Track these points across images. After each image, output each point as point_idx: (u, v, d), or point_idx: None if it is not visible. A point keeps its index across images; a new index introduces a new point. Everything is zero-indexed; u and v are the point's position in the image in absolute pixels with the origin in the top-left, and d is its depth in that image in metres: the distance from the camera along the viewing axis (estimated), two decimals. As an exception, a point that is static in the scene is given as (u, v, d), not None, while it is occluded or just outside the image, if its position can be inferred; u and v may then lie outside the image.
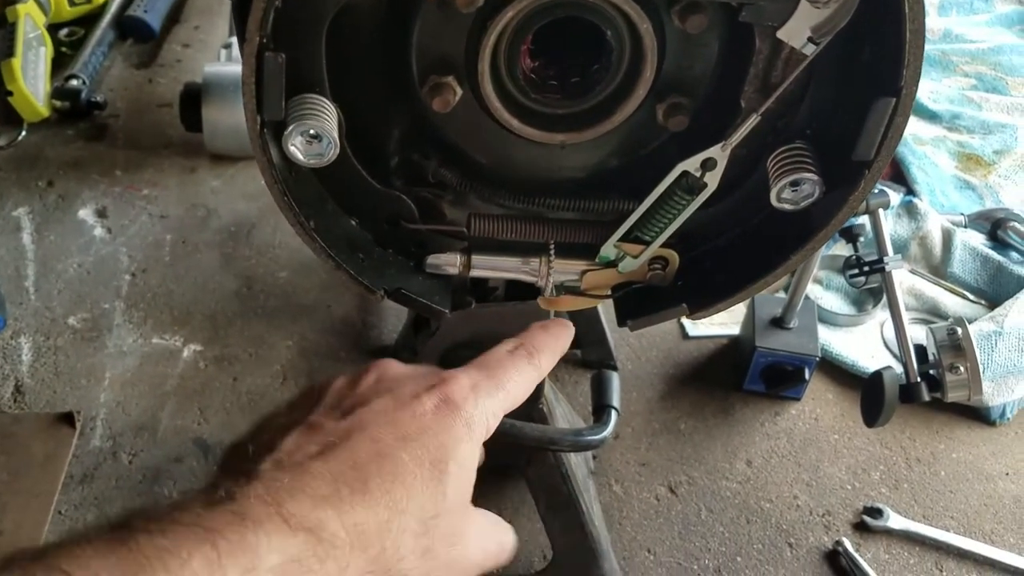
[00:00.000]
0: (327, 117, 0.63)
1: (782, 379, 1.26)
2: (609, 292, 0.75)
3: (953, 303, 1.44)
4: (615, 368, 1.28)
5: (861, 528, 1.14)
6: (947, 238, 1.51)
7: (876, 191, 1.16)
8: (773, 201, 0.67)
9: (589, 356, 1.32)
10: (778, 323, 1.27)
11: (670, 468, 1.21)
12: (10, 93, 1.65)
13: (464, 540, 0.56)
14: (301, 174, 0.68)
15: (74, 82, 1.74)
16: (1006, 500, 1.19)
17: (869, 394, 1.07)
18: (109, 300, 1.39)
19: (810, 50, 0.60)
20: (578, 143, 0.70)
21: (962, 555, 1.12)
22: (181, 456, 1.17)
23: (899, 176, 1.66)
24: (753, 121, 0.64)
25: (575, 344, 1.31)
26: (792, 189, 0.66)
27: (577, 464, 1.03)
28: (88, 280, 1.42)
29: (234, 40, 1.77)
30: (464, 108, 0.67)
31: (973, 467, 1.23)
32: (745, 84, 0.66)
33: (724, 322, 1.39)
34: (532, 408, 0.96)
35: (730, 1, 0.60)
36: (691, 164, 0.66)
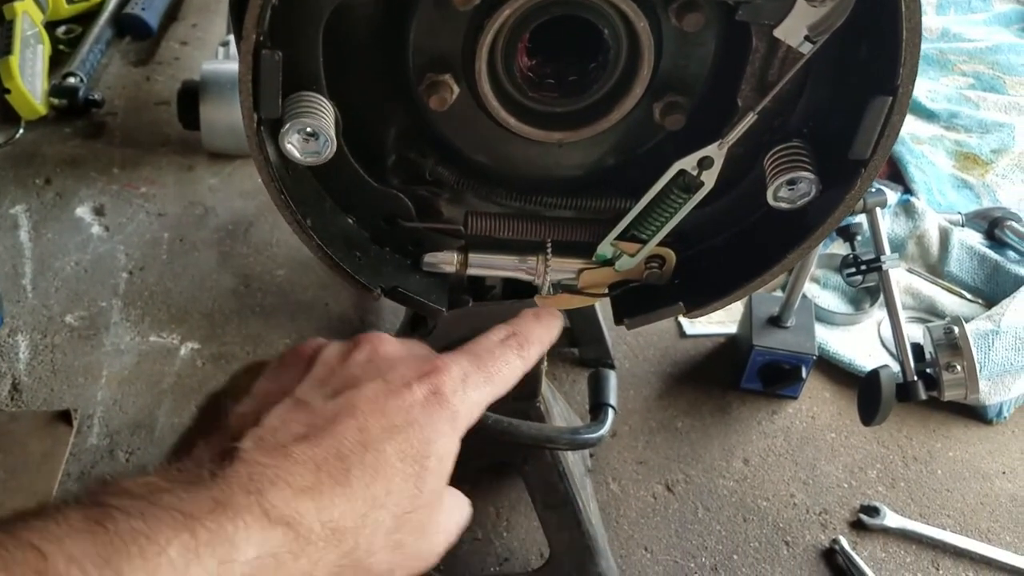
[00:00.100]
0: (324, 115, 0.63)
1: (779, 378, 1.26)
2: (606, 290, 0.75)
3: (950, 302, 1.44)
4: (612, 366, 1.29)
5: (858, 526, 1.14)
6: (944, 237, 1.51)
7: (873, 190, 1.16)
8: (770, 200, 0.67)
9: (586, 354, 1.32)
10: (775, 322, 1.27)
11: (667, 466, 1.21)
12: (7, 91, 1.65)
13: (432, 530, 0.56)
14: (298, 172, 0.68)
15: (72, 80, 1.74)
16: (1003, 499, 1.19)
17: (866, 393, 1.07)
18: (106, 298, 1.38)
19: (807, 49, 0.60)
20: (575, 141, 0.70)
21: (959, 553, 1.12)
22: (178, 454, 1.17)
23: (896, 175, 1.66)
24: (750, 120, 0.64)
25: (573, 343, 1.33)
26: (789, 188, 0.66)
27: (574, 462, 1.03)
28: (85, 278, 1.42)
29: (232, 38, 1.77)
30: (461, 106, 0.67)
31: (970, 466, 1.23)
32: (742, 83, 0.66)
33: (721, 320, 1.39)
34: (529, 406, 0.96)
35: (727, -1, 0.60)
36: (688, 162, 0.66)
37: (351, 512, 0.50)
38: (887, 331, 1.36)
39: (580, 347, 1.32)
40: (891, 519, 1.14)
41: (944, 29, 2.13)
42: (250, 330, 1.35)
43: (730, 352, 1.36)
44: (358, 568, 0.50)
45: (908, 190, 1.63)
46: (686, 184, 0.67)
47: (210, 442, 0.51)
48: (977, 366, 1.02)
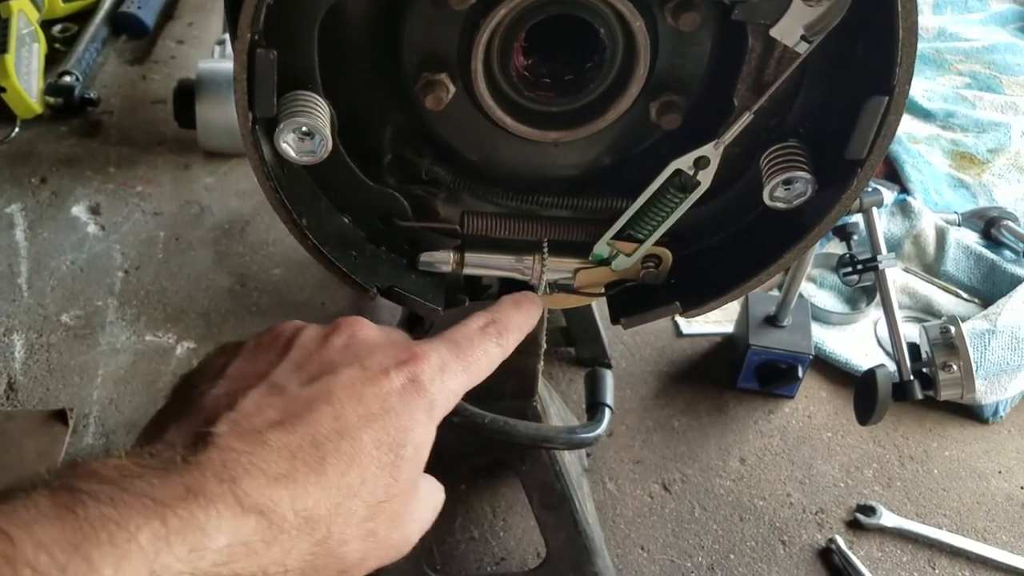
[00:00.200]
0: (319, 114, 0.63)
1: (776, 377, 1.26)
2: (602, 290, 0.75)
3: (946, 301, 1.44)
4: (609, 366, 1.29)
5: (854, 526, 1.15)
6: (941, 236, 1.51)
7: (870, 189, 1.16)
8: (766, 199, 0.67)
9: (583, 354, 1.32)
10: (772, 321, 1.27)
11: (664, 466, 1.21)
12: (3, 89, 1.65)
13: (406, 520, 0.55)
14: (293, 171, 0.68)
15: (67, 78, 1.74)
16: (999, 498, 1.19)
17: (862, 392, 1.07)
18: (102, 297, 1.38)
19: (803, 48, 0.60)
20: (571, 141, 0.69)
21: (955, 553, 1.12)
22: (174, 454, 1.17)
23: (893, 174, 1.67)
24: (746, 119, 0.64)
25: (569, 342, 1.33)
26: (785, 187, 0.66)
27: (571, 462, 1.03)
28: (81, 277, 1.41)
29: (228, 37, 1.77)
30: (457, 106, 0.67)
31: (966, 465, 1.23)
32: (738, 82, 0.66)
33: (718, 320, 1.39)
34: (526, 406, 0.96)
35: (723, -1, 0.60)
36: (684, 162, 0.66)
37: (325, 501, 0.49)
38: (883, 330, 1.36)
39: (577, 346, 1.32)
40: (887, 518, 1.14)
41: (940, 28, 2.13)
42: (246, 329, 1.35)
43: (726, 351, 1.36)
44: (331, 556, 0.50)
45: (904, 189, 1.63)
46: (682, 184, 0.67)
47: (182, 425, 0.51)
48: (973, 366, 1.02)
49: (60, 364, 1.28)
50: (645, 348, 1.37)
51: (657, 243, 0.71)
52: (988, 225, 1.53)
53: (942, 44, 2.07)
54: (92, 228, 1.51)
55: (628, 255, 0.72)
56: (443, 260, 0.75)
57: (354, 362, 0.56)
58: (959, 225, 1.55)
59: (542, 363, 0.93)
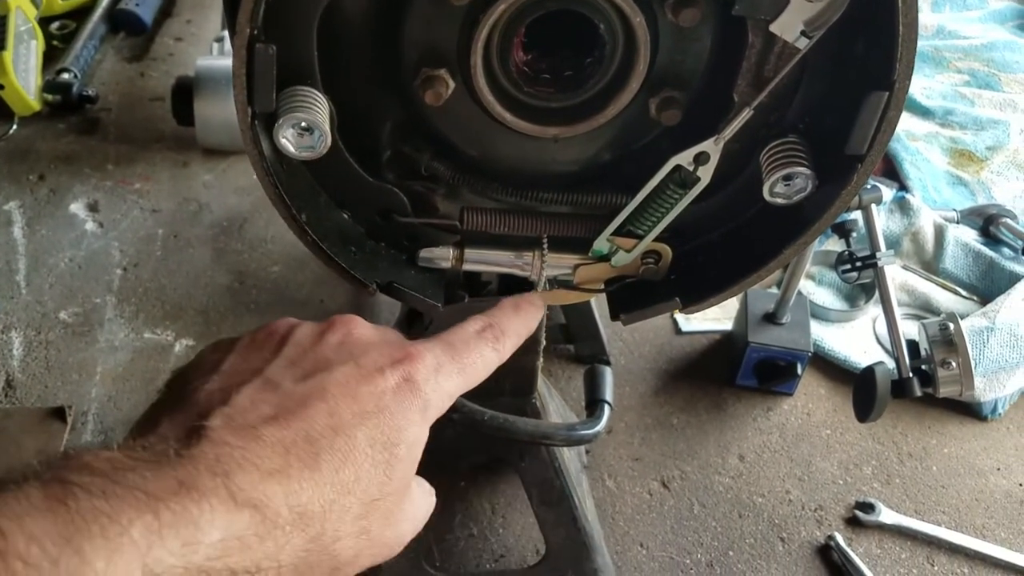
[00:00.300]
0: (318, 109, 0.63)
1: (774, 374, 1.26)
2: (602, 286, 0.75)
3: (945, 299, 1.44)
4: (608, 363, 1.28)
5: (853, 523, 1.15)
6: (939, 234, 1.51)
7: (869, 186, 1.16)
8: (766, 195, 0.67)
9: (582, 351, 1.32)
10: (771, 318, 1.27)
11: (663, 463, 1.21)
12: (1, 87, 1.64)
13: (399, 518, 0.55)
14: (293, 167, 0.68)
15: (65, 76, 1.73)
16: (997, 495, 1.19)
17: (861, 389, 1.07)
18: (100, 294, 1.38)
19: (803, 44, 0.60)
20: (571, 137, 0.69)
21: (953, 550, 1.12)
22: (173, 451, 1.17)
23: (892, 172, 1.67)
24: (746, 115, 0.64)
25: (568, 339, 1.32)
26: (785, 183, 0.66)
27: (570, 459, 1.03)
28: (79, 274, 1.41)
29: (226, 34, 1.77)
30: (456, 101, 0.67)
31: (965, 462, 1.23)
32: (738, 78, 0.66)
33: (717, 317, 1.39)
34: (526, 402, 0.96)
35: (723, -6, 0.60)
36: (684, 158, 0.66)
37: (319, 497, 0.49)
38: (882, 328, 1.37)
39: (576, 343, 1.32)
40: (886, 515, 1.14)
41: (939, 26, 2.13)
42: (245, 327, 1.33)
43: (725, 349, 1.36)
44: (324, 553, 0.50)
45: (903, 187, 1.63)
46: (682, 180, 0.67)
47: (176, 418, 0.51)
48: (972, 363, 1.02)
49: (58, 361, 1.27)
50: (644, 345, 1.37)
51: (657, 239, 0.71)
52: (987, 222, 1.53)
53: (941, 42, 2.07)
54: (90, 225, 1.50)
55: (628, 251, 0.72)
56: (442, 256, 0.75)
57: (349, 360, 0.56)
58: (958, 222, 1.55)
59: (541, 360, 0.93)
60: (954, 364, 1.03)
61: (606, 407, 1.05)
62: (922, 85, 1.92)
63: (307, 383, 0.53)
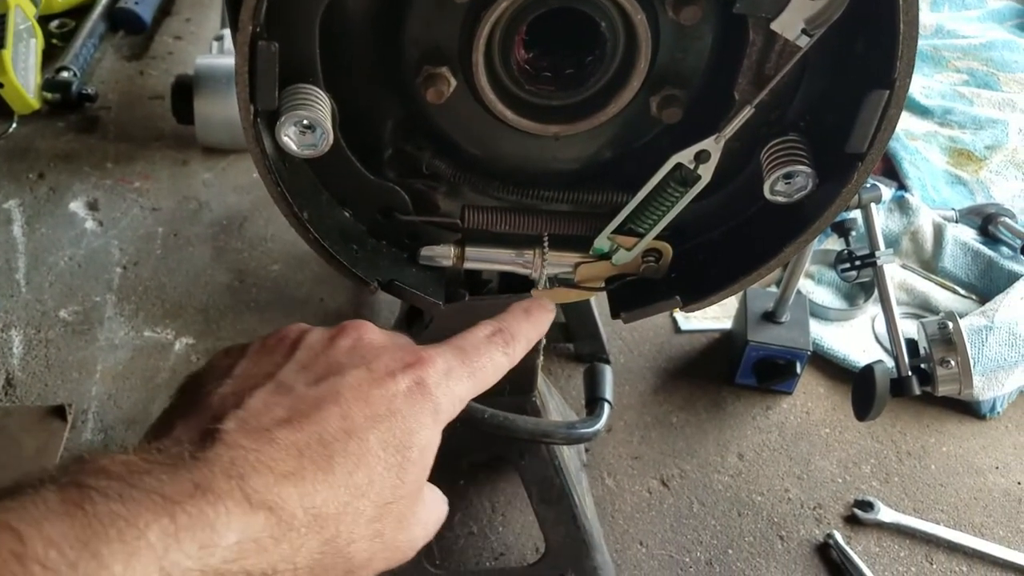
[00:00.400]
0: (320, 107, 0.63)
1: (774, 373, 1.27)
2: (603, 284, 0.75)
3: (944, 298, 1.45)
4: (608, 361, 1.28)
5: (852, 521, 1.15)
6: (938, 233, 1.51)
7: (868, 185, 1.16)
8: (766, 194, 0.67)
9: (582, 349, 1.32)
10: (770, 317, 1.27)
11: (662, 461, 1.21)
12: (0, 85, 1.64)
13: (412, 522, 0.55)
14: (294, 165, 0.68)
15: (65, 74, 1.73)
16: (996, 493, 1.20)
17: (860, 388, 1.07)
18: (100, 293, 1.38)
19: (804, 42, 0.60)
20: (572, 135, 0.69)
21: (952, 548, 1.12)
22: (173, 449, 1.17)
23: (891, 171, 1.67)
24: (747, 113, 0.64)
25: (568, 338, 1.33)
26: (785, 182, 0.66)
27: (570, 457, 1.03)
28: (79, 273, 1.41)
29: (226, 32, 1.76)
30: (458, 99, 0.67)
31: (963, 461, 1.23)
32: (739, 76, 0.66)
33: (716, 316, 1.39)
34: (526, 401, 0.96)
35: (724, -7, 0.60)
36: (685, 156, 0.66)
37: (333, 499, 0.49)
38: (881, 327, 1.37)
39: (575, 342, 1.32)
40: (885, 514, 1.14)
41: (938, 26, 2.13)
42: (245, 325, 1.35)
43: (725, 348, 1.36)
44: (339, 556, 0.50)
45: (902, 186, 1.63)
46: (683, 178, 0.67)
47: (190, 422, 0.51)
48: (971, 361, 1.03)
49: (58, 360, 1.27)
50: (644, 344, 1.37)
51: (657, 237, 0.71)
52: (985, 222, 1.53)
53: (940, 41, 2.08)
54: (90, 224, 1.50)
55: (628, 249, 0.72)
56: (444, 254, 0.75)
57: (360, 364, 0.56)
58: (956, 222, 1.55)
59: (541, 359, 0.94)
60: (953, 363, 1.03)
61: (606, 405, 1.05)
62: (921, 84, 1.92)
63: (319, 387, 0.54)
